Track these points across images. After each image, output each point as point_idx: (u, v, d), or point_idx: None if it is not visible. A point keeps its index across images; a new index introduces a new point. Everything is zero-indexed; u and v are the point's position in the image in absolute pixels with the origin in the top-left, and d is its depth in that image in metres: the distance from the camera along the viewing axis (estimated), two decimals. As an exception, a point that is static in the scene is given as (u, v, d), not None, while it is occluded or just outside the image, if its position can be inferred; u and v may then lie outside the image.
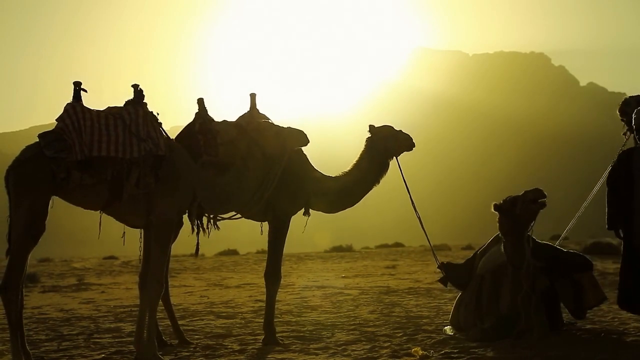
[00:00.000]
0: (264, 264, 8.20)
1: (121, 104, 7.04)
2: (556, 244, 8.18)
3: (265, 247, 8.16)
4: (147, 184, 6.86)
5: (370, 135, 8.04)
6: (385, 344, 7.39)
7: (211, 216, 7.69)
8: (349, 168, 8.03)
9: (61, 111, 6.79)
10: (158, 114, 7.10)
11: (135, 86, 7.12)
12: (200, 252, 8.27)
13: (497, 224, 7.59)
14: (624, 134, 7.70)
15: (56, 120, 6.80)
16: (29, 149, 6.65)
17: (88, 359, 7.32)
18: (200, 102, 7.59)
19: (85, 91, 6.96)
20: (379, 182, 8.02)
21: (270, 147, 7.33)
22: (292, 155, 7.75)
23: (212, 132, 7.44)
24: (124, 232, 7.16)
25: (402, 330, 8.22)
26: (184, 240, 8.21)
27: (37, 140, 6.68)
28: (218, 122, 7.58)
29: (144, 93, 7.13)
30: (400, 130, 8.06)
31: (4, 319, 10.48)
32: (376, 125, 8.07)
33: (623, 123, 7.72)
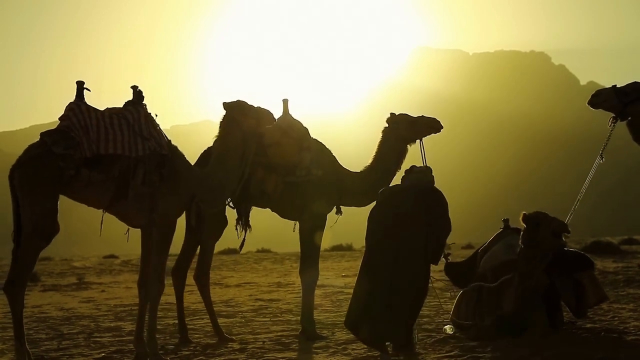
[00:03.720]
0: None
1: (120, 104, 7.06)
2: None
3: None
4: (152, 182, 6.91)
5: (386, 125, 8.31)
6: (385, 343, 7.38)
7: (242, 218, 8.14)
8: (370, 161, 8.35)
9: (61, 110, 6.81)
10: (156, 116, 7.16)
11: (134, 87, 7.18)
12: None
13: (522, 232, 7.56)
14: (612, 122, 7.63)
15: (60, 118, 6.81)
16: (33, 147, 6.62)
17: (88, 358, 7.32)
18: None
19: (89, 90, 6.99)
20: (400, 169, 8.26)
21: (247, 125, 7.43)
22: (324, 157, 8.22)
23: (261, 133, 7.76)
24: (128, 230, 7.20)
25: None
26: (182, 240, 8.25)
27: (39, 138, 6.67)
28: None
29: (143, 94, 7.17)
30: (421, 116, 8.30)
31: (4, 318, 10.50)
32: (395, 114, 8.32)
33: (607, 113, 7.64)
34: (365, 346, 7.27)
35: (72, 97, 6.90)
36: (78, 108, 6.81)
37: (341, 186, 8.27)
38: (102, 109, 6.97)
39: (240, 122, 7.36)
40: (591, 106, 7.62)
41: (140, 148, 6.88)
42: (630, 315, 8.50)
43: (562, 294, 7.72)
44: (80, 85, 6.96)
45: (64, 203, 6.79)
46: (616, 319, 8.31)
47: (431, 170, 7.07)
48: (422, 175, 6.95)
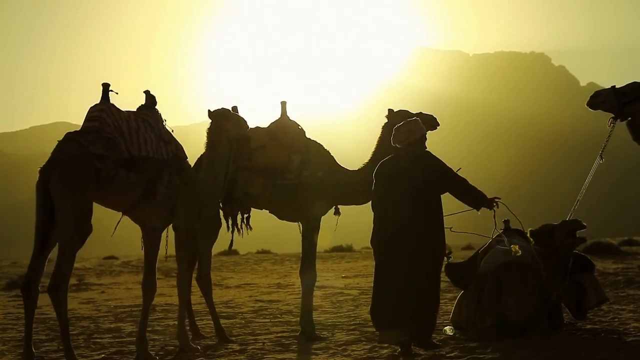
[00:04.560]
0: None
1: (122, 105, 7.10)
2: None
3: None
4: (175, 186, 7.05)
5: (386, 121, 8.31)
6: (385, 344, 7.37)
7: (245, 216, 8.25)
8: (369, 157, 8.33)
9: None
10: (165, 121, 7.29)
11: (147, 92, 7.30)
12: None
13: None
14: (611, 122, 7.63)
15: (89, 119, 6.80)
16: (67, 147, 6.56)
17: (88, 359, 7.32)
18: (234, 109, 8.00)
19: (117, 93, 7.04)
20: None
21: (232, 132, 7.61)
22: (320, 158, 8.21)
23: (245, 138, 7.81)
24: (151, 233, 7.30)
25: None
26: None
27: (69, 138, 6.64)
28: (251, 128, 7.96)
29: (156, 99, 7.30)
30: (420, 112, 8.27)
31: (3, 319, 10.49)
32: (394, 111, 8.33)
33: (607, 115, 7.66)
34: (365, 347, 7.28)
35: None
36: (109, 109, 6.86)
37: (339, 187, 8.26)
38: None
39: (226, 129, 7.54)
40: (590, 107, 7.62)
41: (164, 152, 7.02)
42: (630, 317, 8.49)
43: (563, 296, 7.72)
44: (106, 87, 7.02)
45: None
46: (616, 320, 8.30)
47: (418, 121, 7.09)
48: (409, 136, 6.95)
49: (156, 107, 7.27)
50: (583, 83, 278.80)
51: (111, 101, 7.00)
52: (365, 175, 8.24)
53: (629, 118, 7.43)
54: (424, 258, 6.76)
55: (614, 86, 7.56)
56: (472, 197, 6.99)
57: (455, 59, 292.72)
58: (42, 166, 6.53)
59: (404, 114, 8.25)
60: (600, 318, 8.40)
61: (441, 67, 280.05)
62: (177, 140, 7.28)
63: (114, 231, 6.95)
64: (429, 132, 8.31)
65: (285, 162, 8.06)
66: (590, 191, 8.40)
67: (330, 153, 8.42)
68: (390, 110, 8.34)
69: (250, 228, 8.33)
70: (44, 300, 13.11)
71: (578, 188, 7.89)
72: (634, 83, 7.50)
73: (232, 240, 8.35)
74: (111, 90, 7.02)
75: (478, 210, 7.08)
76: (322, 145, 8.40)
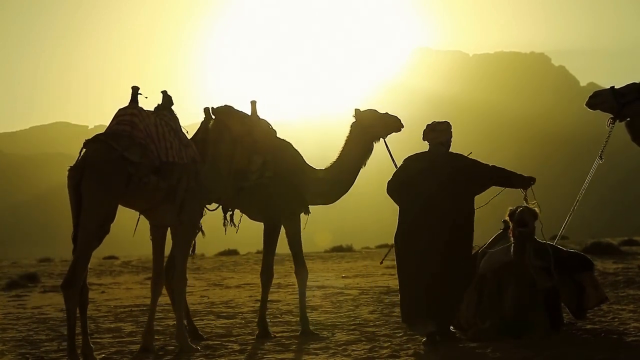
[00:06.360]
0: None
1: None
2: (555, 242, 8.16)
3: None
4: (191, 188, 7.12)
5: (354, 120, 8.28)
6: (386, 344, 7.39)
7: (229, 214, 8.19)
8: (337, 156, 8.30)
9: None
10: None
11: (164, 92, 7.33)
12: (200, 252, 8.44)
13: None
14: (610, 123, 7.65)
15: (120, 122, 6.83)
16: (99, 150, 6.59)
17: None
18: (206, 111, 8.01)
19: (146, 97, 7.11)
20: (364, 165, 8.26)
21: (236, 130, 7.58)
22: (287, 158, 8.15)
23: (249, 133, 7.84)
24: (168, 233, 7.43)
25: (402, 330, 8.21)
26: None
27: (99, 140, 6.67)
28: None
29: (172, 99, 7.33)
30: (386, 113, 8.29)
31: (3, 319, 10.49)
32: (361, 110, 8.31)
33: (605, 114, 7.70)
34: (365, 347, 7.28)
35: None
36: (140, 114, 6.91)
37: (305, 188, 8.20)
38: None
39: (229, 126, 7.47)
40: (589, 107, 7.65)
41: (184, 155, 7.08)
42: (630, 317, 8.49)
43: (563, 295, 7.72)
44: (135, 91, 7.06)
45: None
46: (616, 320, 8.31)
47: (449, 124, 7.41)
48: (442, 135, 7.29)
49: (172, 107, 7.35)
50: (583, 83, 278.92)
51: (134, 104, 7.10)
52: (330, 175, 8.25)
53: (628, 119, 7.45)
54: (448, 244, 7.02)
55: (613, 87, 7.57)
56: (516, 178, 7.33)
57: (455, 59, 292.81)
58: (72, 165, 6.58)
59: (371, 112, 8.22)
60: (600, 318, 8.40)
61: (441, 67, 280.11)
62: (192, 144, 7.33)
63: (134, 231, 7.05)
64: (394, 134, 8.32)
65: (246, 164, 7.95)
66: (591, 192, 8.42)
67: (299, 152, 8.33)
68: (357, 110, 8.29)
69: (233, 225, 8.24)
70: (44, 300, 13.15)
71: (578, 188, 7.91)
72: (633, 84, 7.52)
73: (194, 245, 7.90)
74: (140, 94, 7.05)
75: (526, 190, 7.40)
76: (290, 145, 8.30)
